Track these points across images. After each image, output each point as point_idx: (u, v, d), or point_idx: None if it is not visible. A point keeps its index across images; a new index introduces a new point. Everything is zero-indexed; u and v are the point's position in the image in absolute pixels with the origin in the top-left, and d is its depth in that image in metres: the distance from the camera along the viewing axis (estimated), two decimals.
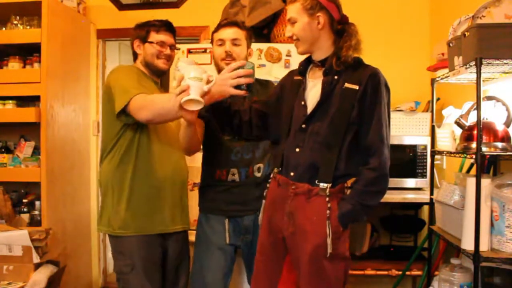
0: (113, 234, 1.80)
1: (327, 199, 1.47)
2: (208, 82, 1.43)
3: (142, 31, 1.88)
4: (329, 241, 1.45)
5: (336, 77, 1.53)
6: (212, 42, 1.97)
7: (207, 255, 1.93)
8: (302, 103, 1.58)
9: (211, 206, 1.97)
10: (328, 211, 1.46)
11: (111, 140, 1.80)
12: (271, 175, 1.64)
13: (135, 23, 1.96)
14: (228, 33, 1.90)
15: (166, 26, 1.90)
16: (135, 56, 1.94)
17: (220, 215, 1.93)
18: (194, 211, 2.46)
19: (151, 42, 1.86)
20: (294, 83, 1.64)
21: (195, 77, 1.39)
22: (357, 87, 1.49)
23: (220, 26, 1.93)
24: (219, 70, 1.89)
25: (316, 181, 1.49)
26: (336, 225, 1.47)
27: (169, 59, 1.92)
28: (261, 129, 1.69)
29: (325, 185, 1.47)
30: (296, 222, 1.52)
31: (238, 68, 1.48)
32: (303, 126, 1.54)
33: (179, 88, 1.41)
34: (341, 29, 1.58)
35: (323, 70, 1.56)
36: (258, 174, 1.93)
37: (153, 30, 1.87)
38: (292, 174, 1.55)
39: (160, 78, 1.99)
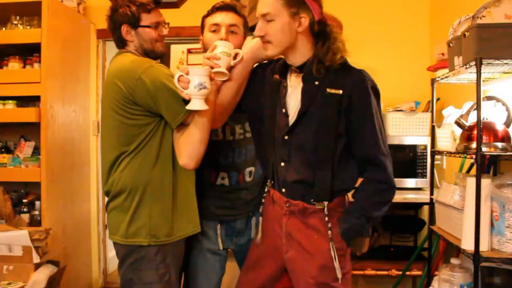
0: (157, 243, 1.55)
1: (326, 218, 1.37)
2: (236, 57, 1.49)
3: (129, 14, 1.60)
4: (336, 264, 1.35)
5: (316, 83, 1.37)
6: (202, 29, 1.71)
7: (200, 261, 1.78)
8: (284, 110, 1.43)
9: (202, 211, 1.73)
10: (329, 232, 1.37)
11: (133, 137, 1.55)
12: (266, 188, 1.56)
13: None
14: (225, 17, 1.63)
15: (156, 2, 1.65)
16: (123, 43, 1.65)
17: (211, 220, 1.76)
18: None
19: (147, 26, 1.61)
20: (274, 83, 1.48)
21: (224, 52, 1.46)
22: (340, 92, 1.34)
23: (215, 9, 1.67)
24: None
25: (312, 200, 1.38)
26: (340, 243, 1.38)
27: (164, 39, 1.70)
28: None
29: (322, 203, 1.37)
30: (296, 243, 1.41)
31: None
32: (286, 138, 1.41)
33: (209, 55, 1.47)
34: (320, 30, 1.39)
35: (301, 76, 1.40)
36: (249, 179, 1.78)
37: (143, 11, 1.60)
38: (283, 190, 1.44)
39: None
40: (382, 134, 1.37)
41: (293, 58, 1.41)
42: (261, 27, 1.35)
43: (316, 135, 1.36)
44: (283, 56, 1.45)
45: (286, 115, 1.42)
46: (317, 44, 1.38)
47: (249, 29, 1.83)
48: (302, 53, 1.39)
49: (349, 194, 1.48)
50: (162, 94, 1.48)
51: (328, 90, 1.34)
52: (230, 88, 1.52)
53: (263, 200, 1.56)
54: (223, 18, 1.64)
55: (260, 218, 1.55)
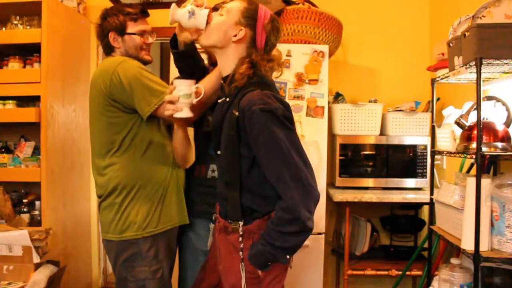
0: (150, 234, 1.64)
1: (240, 238, 1.35)
2: (198, 94, 1.49)
3: (117, 22, 1.70)
4: (243, 284, 1.34)
5: (228, 99, 1.39)
6: None
7: (192, 262, 1.80)
8: (213, 126, 1.50)
9: (194, 209, 1.79)
10: (240, 252, 1.35)
11: (118, 134, 1.64)
12: None
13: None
14: None
15: (142, 12, 1.75)
16: (111, 49, 1.75)
17: (204, 219, 1.77)
18: None
19: (132, 34, 1.71)
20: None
21: (185, 94, 1.46)
22: (236, 114, 1.31)
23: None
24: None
25: (228, 219, 1.39)
26: (251, 266, 1.34)
27: (150, 48, 1.79)
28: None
29: (236, 223, 1.36)
30: (221, 258, 1.45)
31: None
32: (218, 152, 1.45)
33: (170, 97, 1.47)
34: (256, 59, 1.38)
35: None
36: None
37: (130, 20, 1.71)
38: (219, 204, 1.49)
39: None
40: (286, 160, 1.27)
41: (221, 63, 1.44)
42: (211, 16, 1.42)
43: (225, 154, 1.37)
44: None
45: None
46: (242, 59, 1.38)
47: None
48: (228, 64, 1.41)
49: None
50: (134, 86, 1.56)
51: (233, 110, 1.34)
52: (208, 83, 1.58)
53: (215, 210, 1.57)
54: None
55: (211, 226, 1.62)
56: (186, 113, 1.47)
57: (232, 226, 1.37)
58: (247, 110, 1.28)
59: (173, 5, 1.50)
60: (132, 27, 1.72)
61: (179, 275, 1.86)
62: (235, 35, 1.38)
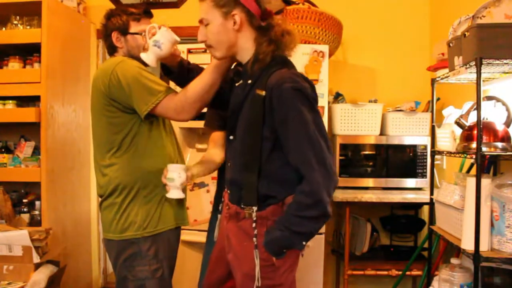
0: (150, 234, 1.65)
1: (254, 224, 1.32)
2: (188, 179, 1.60)
3: (120, 22, 1.73)
4: (257, 274, 1.29)
5: (249, 81, 1.34)
6: None
7: (206, 254, 1.92)
8: (229, 109, 1.46)
9: (217, 203, 1.92)
10: (254, 239, 1.31)
11: (117, 135, 1.65)
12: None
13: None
14: None
15: (146, 12, 1.76)
16: (114, 49, 1.78)
17: (217, 211, 1.85)
18: (194, 211, 2.47)
19: (135, 34, 1.73)
20: (229, 83, 1.51)
21: (170, 178, 1.57)
22: (263, 93, 1.27)
23: None
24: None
25: (242, 204, 1.35)
26: (266, 253, 1.30)
27: None
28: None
29: (251, 208, 1.32)
30: (231, 246, 1.41)
31: None
32: (230, 138, 1.42)
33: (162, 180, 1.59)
34: (266, 25, 1.34)
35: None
36: None
37: (133, 20, 1.73)
38: (229, 192, 1.45)
39: None
40: (312, 142, 1.25)
41: (240, 57, 1.39)
42: (202, 33, 1.37)
43: (244, 137, 1.34)
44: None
45: (229, 114, 1.45)
46: (258, 39, 1.34)
47: None
48: (245, 52, 1.37)
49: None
50: (132, 85, 1.57)
51: (257, 90, 1.29)
52: (201, 80, 1.53)
53: (223, 199, 1.55)
54: None
55: (219, 216, 1.57)
56: (175, 194, 1.58)
57: (245, 211, 1.33)
58: (276, 88, 1.25)
59: (141, 54, 1.54)
60: (135, 27, 1.74)
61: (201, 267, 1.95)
62: (234, 25, 1.32)
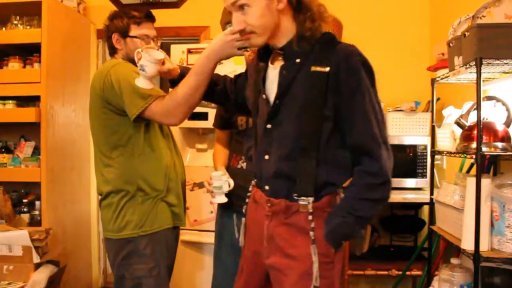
0: (145, 233, 1.67)
1: (310, 217, 1.20)
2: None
3: (121, 24, 1.74)
4: (315, 270, 1.17)
5: (298, 60, 1.22)
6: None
7: (218, 253, 1.95)
8: (264, 97, 1.30)
9: (224, 206, 1.92)
10: (312, 232, 1.19)
11: (113, 136, 1.68)
12: (250, 187, 1.41)
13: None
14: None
15: (147, 17, 1.77)
16: (114, 50, 1.79)
17: (229, 210, 1.89)
18: (194, 211, 2.47)
19: (134, 37, 1.74)
20: (258, 70, 1.35)
21: (216, 187, 1.76)
22: (326, 69, 1.18)
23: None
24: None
25: (294, 195, 1.22)
26: (325, 247, 1.20)
27: None
28: (236, 104, 1.53)
29: (306, 199, 1.20)
30: (277, 247, 1.25)
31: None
32: (268, 126, 1.27)
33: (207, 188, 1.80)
34: (297, 3, 1.23)
35: (282, 55, 1.27)
36: None
37: (133, 23, 1.74)
38: (267, 188, 1.29)
39: None
40: (377, 118, 1.20)
41: (277, 41, 1.26)
42: (239, 19, 1.21)
43: (299, 120, 1.21)
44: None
45: (267, 101, 1.29)
46: (297, 17, 1.23)
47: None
48: (285, 34, 1.25)
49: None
50: (123, 88, 1.58)
51: (313, 68, 1.19)
52: (185, 84, 1.51)
53: (247, 200, 1.43)
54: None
55: (243, 220, 1.41)
56: (222, 199, 1.77)
57: (299, 203, 1.20)
58: (345, 62, 1.17)
59: (135, 80, 1.51)
60: (135, 31, 1.75)
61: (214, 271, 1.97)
62: (278, 4, 1.19)
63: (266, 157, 1.29)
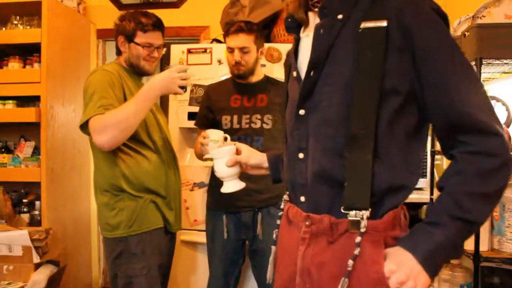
0: (135, 233, 1.70)
1: (358, 238, 0.81)
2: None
3: (128, 28, 1.74)
4: None
5: (340, 16, 0.89)
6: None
7: (211, 252, 2.04)
8: (295, 74, 0.97)
9: (212, 202, 2.05)
10: (350, 261, 0.81)
11: None
12: (281, 204, 1.06)
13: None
14: (236, 41, 1.92)
15: (154, 25, 1.75)
16: (119, 51, 1.81)
17: (219, 211, 1.98)
18: (194, 211, 2.47)
19: (137, 44, 1.74)
20: (291, 53, 1.05)
21: (213, 139, 1.77)
22: (383, 24, 0.83)
23: (229, 33, 1.95)
24: (232, 72, 2.01)
25: (342, 208, 0.84)
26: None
27: (156, 61, 1.81)
28: None
29: (359, 213, 0.82)
30: (316, 285, 0.88)
31: (183, 71, 1.67)
32: (301, 112, 0.92)
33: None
34: None
35: (318, 12, 0.93)
36: None
37: (140, 30, 1.73)
38: (303, 199, 0.93)
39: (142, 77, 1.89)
40: (476, 77, 0.86)
41: None
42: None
43: (345, 98, 0.85)
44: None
45: (299, 79, 0.95)
46: None
47: (260, 27, 2.10)
48: None
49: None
50: (88, 94, 1.62)
51: (365, 23, 0.85)
52: (124, 108, 1.57)
53: (278, 222, 1.07)
54: (235, 42, 1.92)
55: (273, 248, 1.06)
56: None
57: (349, 219, 0.83)
58: (410, 10, 0.83)
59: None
60: (140, 37, 1.74)
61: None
62: None
63: (301, 155, 0.94)
